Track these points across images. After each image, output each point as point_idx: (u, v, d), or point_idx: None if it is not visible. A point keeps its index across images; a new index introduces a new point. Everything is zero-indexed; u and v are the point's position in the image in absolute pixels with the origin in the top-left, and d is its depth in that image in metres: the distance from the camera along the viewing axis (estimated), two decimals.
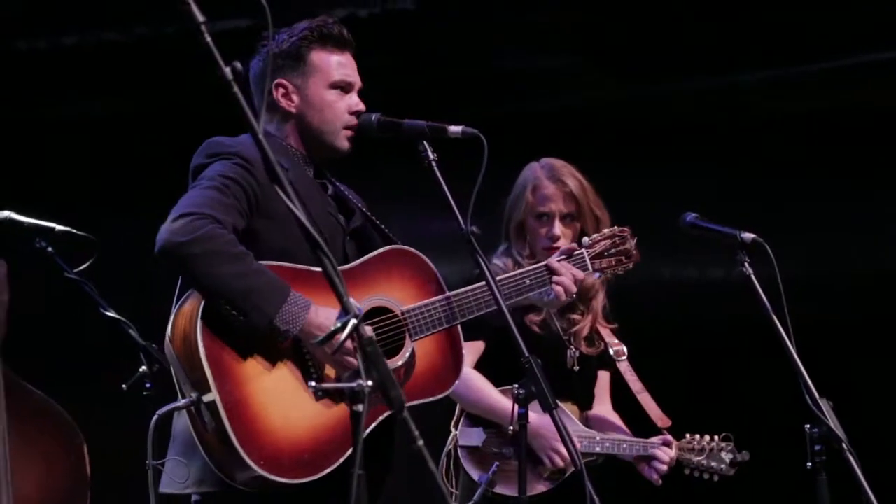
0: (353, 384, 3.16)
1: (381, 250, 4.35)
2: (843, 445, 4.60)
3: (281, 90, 4.39)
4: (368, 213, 4.49)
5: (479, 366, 5.21)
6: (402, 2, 7.04)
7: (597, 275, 4.77)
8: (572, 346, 5.28)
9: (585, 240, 4.77)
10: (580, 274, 4.65)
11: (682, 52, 7.19)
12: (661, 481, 5.26)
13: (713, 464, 5.36)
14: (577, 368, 5.27)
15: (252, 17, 6.06)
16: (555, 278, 4.59)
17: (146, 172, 7.36)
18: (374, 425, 4.11)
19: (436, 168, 4.37)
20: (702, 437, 5.39)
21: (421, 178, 4.39)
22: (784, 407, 5.15)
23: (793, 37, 7.06)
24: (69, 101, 7.65)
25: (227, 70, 3.13)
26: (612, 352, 5.31)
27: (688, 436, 5.38)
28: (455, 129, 4.41)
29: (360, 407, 3.17)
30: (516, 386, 4.37)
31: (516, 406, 4.40)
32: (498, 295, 4.29)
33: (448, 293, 4.35)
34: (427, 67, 7.38)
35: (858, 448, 4.61)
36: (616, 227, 4.85)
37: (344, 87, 4.42)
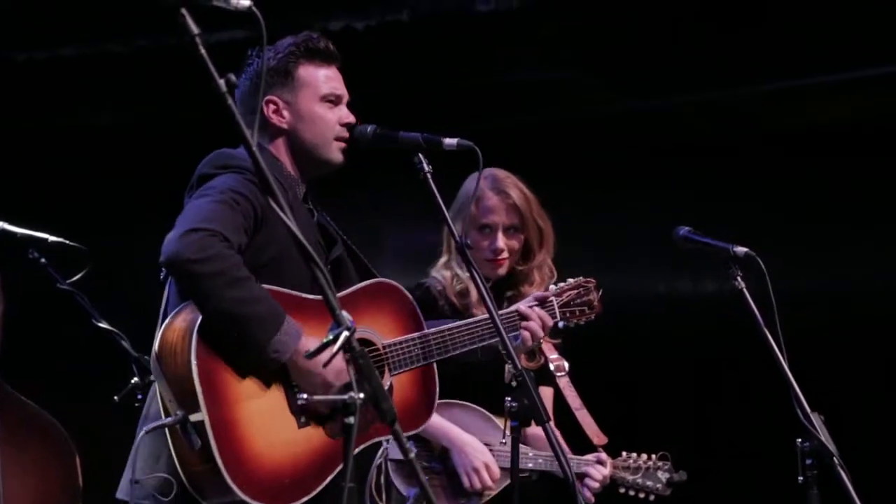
0: (345, 396, 3.19)
1: (368, 283, 4.36)
2: (835, 460, 4.59)
3: (272, 106, 4.39)
4: (349, 243, 4.49)
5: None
6: (398, 14, 7.05)
7: (561, 324, 4.75)
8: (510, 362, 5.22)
9: (553, 288, 4.77)
10: (549, 320, 4.67)
11: (678, 65, 7.19)
12: (593, 499, 5.19)
13: (648, 483, 5.30)
14: (514, 384, 5.22)
15: (248, 28, 6.07)
16: (524, 324, 4.61)
17: (141, 183, 7.36)
18: (360, 447, 4.14)
19: (431, 180, 4.37)
20: (638, 455, 5.32)
21: (416, 189, 4.38)
22: (775, 420, 5.14)
23: (792, 50, 7.05)
24: (65, 112, 7.66)
25: (222, 82, 3.14)
26: (551, 367, 5.17)
27: (624, 454, 5.31)
28: (450, 141, 4.40)
29: (351, 419, 3.19)
30: (508, 399, 4.36)
31: (508, 419, 4.41)
32: (490, 304, 4.30)
33: (426, 330, 4.37)
34: (423, 79, 7.39)
35: (850, 462, 4.60)
36: (582, 278, 4.85)
37: (333, 100, 4.42)
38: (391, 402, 3.20)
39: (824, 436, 4.61)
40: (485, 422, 5.13)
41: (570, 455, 5.19)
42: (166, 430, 4.01)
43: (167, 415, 4.00)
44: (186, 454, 3.98)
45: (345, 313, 3.19)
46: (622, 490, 5.31)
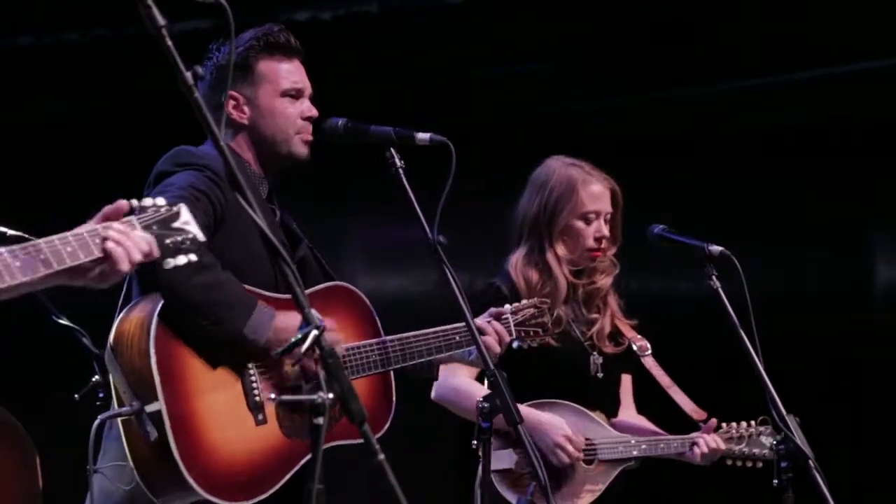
0: (314, 396, 3.13)
1: (326, 285, 4.32)
2: (810, 462, 4.57)
3: (232, 102, 4.34)
4: (310, 245, 4.45)
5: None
6: (366, 4, 6.99)
7: (516, 343, 4.68)
8: (594, 353, 5.17)
9: (508, 307, 4.68)
10: (506, 336, 4.57)
11: (652, 61, 7.18)
12: (699, 458, 5.09)
13: (755, 450, 5.21)
14: (600, 375, 5.19)
15: (213, 18, 5.99)
16: (481, 338, 4.47)
17: (100, 175, 7.27)
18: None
19: (402, 176, 4.31)
20: (738, 424, 5.24)
21: (389, 184, 4.32)
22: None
23: (767, 48, 7.05)
24: (21, 102, 7.55)
25: (188, 74, 3.08)
26: (635, 347, 5.22)
27: (724, 425, 5.22)
28: (423, 136, 4.36)
29: (320, 420, 3.14)
30: (480, 399, 4.30)
31: (481, 420, 4.34)
32: (463, 305, 4.25)
33: (385, 337, 4.32)
34: (392, 72, 7.33)
35: (825, 465, 4.57)
36: (537, 299, 4.77)
37: (294, 95, 4.37)
38: (360, 402, 3.14)
39: (800, 438, 4.59)
40: (580, 417, 5.10)
41: (671, 436, 5.16)
42: (119, 424, 3.97)
43: (121, 406, 3.97)
44: (141, 448, 3.94)
45: (314, 311, 3.15)
46: (729, 462, 5.23)
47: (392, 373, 4.34)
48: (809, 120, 7.43)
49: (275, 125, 4.33)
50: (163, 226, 3.20)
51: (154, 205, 3.22)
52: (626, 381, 5.31)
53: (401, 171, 4.31)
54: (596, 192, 5.16)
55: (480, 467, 4.56)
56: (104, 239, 3.12)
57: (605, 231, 5.16)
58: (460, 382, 5.02)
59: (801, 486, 4.61)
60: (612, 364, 5.23)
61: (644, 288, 7.42)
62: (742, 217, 7.31)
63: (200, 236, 3.26)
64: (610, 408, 5.22)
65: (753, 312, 4.66)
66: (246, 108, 4.33)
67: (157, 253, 3.16)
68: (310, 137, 4.36)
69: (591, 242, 5.15)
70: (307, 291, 4.13)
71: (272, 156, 4.36)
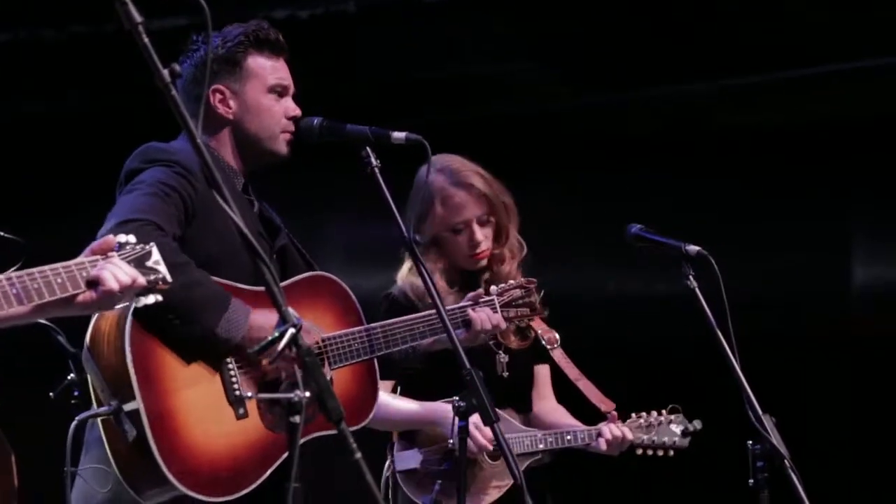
0: (291, 395, 3.15)
1: (307, 275, 4.33)
2: (786, 462, 4.57)
3: (217, 96, 4.34)
4: (290, 236, 4.45)
5: (413, 392, 5.07)
6: (344, 3, 6.99)
7: (504, 324, 4.68)
8: (500, 352, 5.11)
9: (494, 288, 4.69)
10: (496, 319, 4.58)
11: (631, 60, 7.18)
12: (605, 446, 5.05)
13: (665, 439, 5.22)
14: (506, 374, 5.14)
15: (190, 15, 5.97)
16: (472, 314, 4.54)
17: (76, 174, 7.26)
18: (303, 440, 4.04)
19: (378, 175, 4.31)
20: (648, 413, 5.23)
21: (361, 182, 4.32)
22: (726, 422, 5.13)
23: (748, 48, 7.07)
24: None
25: (166, 72, 3.09)
26: (543, 340, 5.11)
27: (633, 415, 5.21)
28: (398, 135, 4.35)
29: (296, 418, 3.15)
30: (456, 398, 4.30)
31: (456, 419, 4.34)
32: (437, 299, 4.26)
33: (368, 325, 4.32)
34: (369, 71, 7.34)
35: (801, 465, 4.58)
36: (524, 279, 4.77)
37: (280, 92, 4.38)
38: (337, 400, 3.15)
39: (776, 438, 4.59)
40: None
41: (580, 427, 5.13)
42: (99, 423, 3.96)
43: (99, 406, 3.95)
44: (120, 447, 3.93)
45: (290, 310, 3.16)
46: (639, 452, 5.22)
47: (376, 360, 4.34)
48: (787, 120, 7.44)
49: (259, 121, 4.34)
50: (138, 264, 3.36)
51: (128, 242, 3.38)
52: (543, 371, 5.24)
53: (377, 169, 4.31)
54: (455, 203, 5.02)
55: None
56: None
57: (479, 236, 5.01)
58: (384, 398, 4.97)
59: (777, 486, 4.61)
60: (520, 360, 5.16)
61: (621, 288, 7.43)
62: (719, 217, 7.32)
63: (169, 277, 3.43)
64: (521, 404, 5.15)
65: (730, 312, 4.66)
66: (231, 103, 4.33)
67: (142, 282, 3.34)
68: (291, 136, 4.37)
69: (467, 250, 5.05)
70: (289, 281, 4.22)
71: (253, 152, 4.36)
